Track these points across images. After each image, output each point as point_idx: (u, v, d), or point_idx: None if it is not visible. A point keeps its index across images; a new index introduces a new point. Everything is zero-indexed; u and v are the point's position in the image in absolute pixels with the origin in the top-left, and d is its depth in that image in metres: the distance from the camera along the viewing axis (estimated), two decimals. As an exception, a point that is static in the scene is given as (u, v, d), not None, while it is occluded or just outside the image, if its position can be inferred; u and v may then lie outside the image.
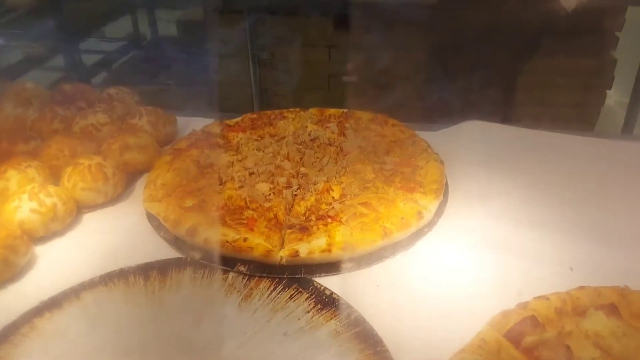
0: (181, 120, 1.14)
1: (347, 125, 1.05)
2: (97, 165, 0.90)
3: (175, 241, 0.83)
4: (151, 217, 0.88)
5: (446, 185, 0.91)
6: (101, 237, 0.86)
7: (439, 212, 0.87)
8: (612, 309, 0.66)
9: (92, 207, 0.91)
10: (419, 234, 0.83)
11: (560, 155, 1.00)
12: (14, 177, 0.89)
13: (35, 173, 0.91)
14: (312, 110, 1.11)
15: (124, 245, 0.84)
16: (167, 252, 0.82)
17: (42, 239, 0.85)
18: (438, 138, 1.04)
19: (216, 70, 1.31)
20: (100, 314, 0.73)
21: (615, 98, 1.96)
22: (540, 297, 0.68)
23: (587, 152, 1.01)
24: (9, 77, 1.87)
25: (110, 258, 0.80)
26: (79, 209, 0.89)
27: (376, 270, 0.78)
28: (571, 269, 0.75)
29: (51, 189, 0.86)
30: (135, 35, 2.34)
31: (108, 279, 0.77)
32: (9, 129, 1.06)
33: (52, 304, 0.73)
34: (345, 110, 1.10)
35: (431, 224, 0.85)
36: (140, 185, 0.97)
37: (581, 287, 0.69)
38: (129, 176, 0.96)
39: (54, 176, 0.93)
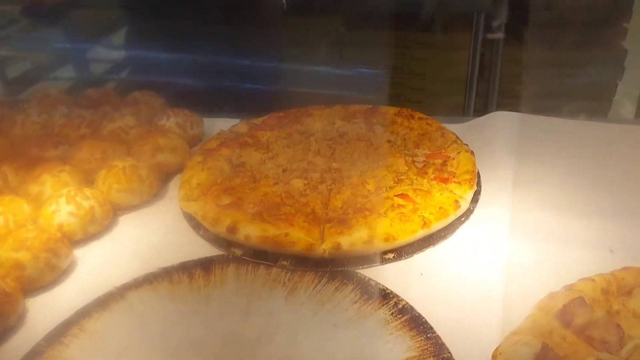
0: (206, 121, 1.15)
1: (373, 120, 1.05)
2: (131, 166, 0.91)
3: (215, 239, 0.83)
4: (188, 217, 0.88)
5: (478, 175, 0.92)
6: (140, 238, 0.86)
7: (474, 201, 0.87)
8: (659, 288, 0.67)
9: (128, 208, 0.91)
10: (456, 223, 0.83)
11: (587, 141, 1.01)
12: (48, 181, 0.90)
13: (68, 177, 0.92)
14: (337, 107, 1.12)
15: (163, 244, 0.85)
16: (208, 250, 0.82)
17: (81, 242, 0.85)
18: (464, 130, 1.05)
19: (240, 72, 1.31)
20: (147, 312, 0.73)
21: (626, 89, 1.97)
22: (585, 279, 0.69)
23: (613, 137, 1.02)
24: (22, 86, 1.87)
25: (150, 258, 0.81)
26: (115, 211, 0.90)
27: (418, 260, 0.78)
28: (611, 251, 0.76)
29: (88, 191, 0.86)
30: (144, 40, 2.34)
31: (152, 278, 0.77)
32: (36, 135, 1.06)
33: (98, 305, 0.73)
34: (370, 106, 1.11)
35: (467, 213, 0.85)
36: (173, 185, 0.97)
37: (625, 268, 0.70)
38: (162, 177, 0.97)
39: (87, 180, 0.94)
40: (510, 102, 1.83)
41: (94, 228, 0.86)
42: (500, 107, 1.84)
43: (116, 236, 0.87)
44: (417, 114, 1.06)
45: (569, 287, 0.68)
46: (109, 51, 2.41)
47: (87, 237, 0.86)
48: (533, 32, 1.80)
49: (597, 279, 0.69)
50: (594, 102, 1.93)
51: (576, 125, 1.07)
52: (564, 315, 0.65)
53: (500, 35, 1.76)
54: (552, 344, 0.61)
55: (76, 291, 0.77)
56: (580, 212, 0.84)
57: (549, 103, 1.85)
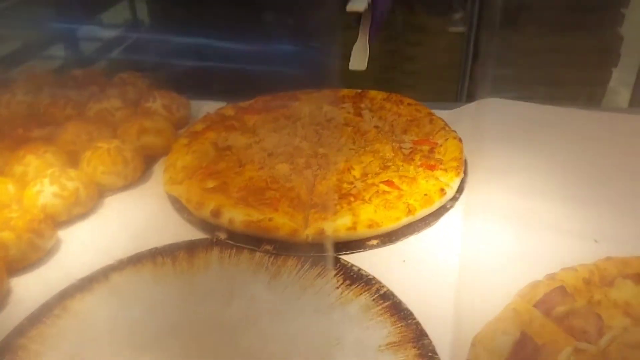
0: (193, 104, 1.14)
1: (361, 105, 1.05)
2: (116, 148, 0.90)
3: (199, 222, 0.83)
4: (173, 200, 0.88)
5: (465, 162, 0.92)
6: (124, 220, 0.86)
7: (460, 189, 0.87)
8: (640, 278, 0.67)
9: (113, 190, 0.91)
10: (441, 210, 0.83)
11: (577, 130, 1.00)
12: (32, 162, 0.89)
13: (53, 158, 0.91)
14: (326, 91, 1.11)
15: (148, 227, 0.84)
16: (192, 233, 0.82)
17: (65, 223, 0.85)
18: (453, 116, 1.04)
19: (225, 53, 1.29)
20: (131, 294, 0.73)
21: (621, 76, 1.96)
22: (567, 268, 0.69)
23: (604, 126, 1.01)
24: (9, 65, 1.85)
25: (135, 240, 0.81)
26: (99, 193, 0.89)
27: (401, 247, 0.78)
28: (596, 241, 0.76)
29: (72, 173, 0.85)
30: (134, 20, 2.32)
31: (136, 260, 0.77)
32: (22, 115, 1.05)
33: (81, 286, 0.73)
34: (359, 91, 1.10)
35: (453, 200, 0.85)
36: (158, 168, 0.97)
37: (608, 258, 0.70)
38: (147, 159, 0.96)
39: (72, 161, 0.93)
40: (504, 87, 1.81)
41: (78, 209, 0.85)
42: (494, 92, 1.84)
43: (100, 218, 0.87)
44: (407, 100, 1.06)
45: (551, 277, 0.68)
46: (100, 30, 2.38)
47: (72, 219, 0.85)
48: (528, 18, 1.79)
49: (580, 268, 0.69)
50: (588, 89, 1.92)
51: (567, 113, 1.06)
52: (545, 304, 0.65)
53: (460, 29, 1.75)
54: (532, 333, 0.61)
55: (60, 272, 0.76)
56: (567, 201, 0.84)
57: (543, 89, 1.84)
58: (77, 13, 2.21)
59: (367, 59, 0.99)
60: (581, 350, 0.59)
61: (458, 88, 1.80)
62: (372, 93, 1.09)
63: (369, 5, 1.00)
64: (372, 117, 1.01)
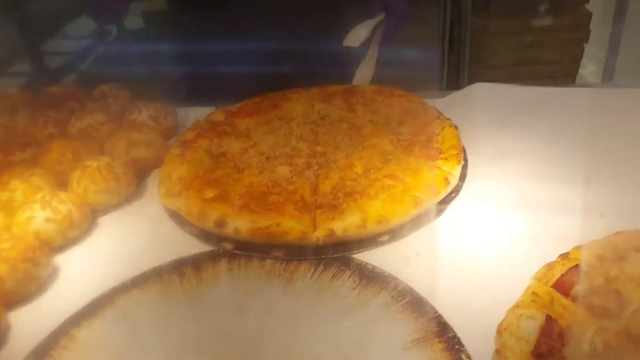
0: (179, 111, 1.10)
1: (353, 100, 1.03)
2: (107, 165, 0.87)
3: (203, 234, 0.80)
4: (172, 213, 0.85)
5: (463, 149, 0.91)
6: (123, 239, 0.83)
7: (462, 177, 0.87)
8: (653, 250, 0.67)
9: (107, 209, 0.87)
10: (447, 200, 0.83)
11: (568, 108, 1.01)
12: (18, 187, 0.85)
13: (40, 181, 0.87)
14: (315, 89, 1.09)
15: (148, 244, 0.81)
16: (196, 247, 0.79)
17: (61, 248, 0.81)
18: (445, 104, 1.03)
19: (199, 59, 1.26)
20: (139, 317, 0.70)
21: (593, 51, 2.00)
22: (579, 247, 0.69)
23: (592, 102, 1.02)
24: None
25: (137, 259, 0.78)
26: (93, 213, 0.86)
27: (413, 240, 0.77)
28: (602, 216, 0.77)
29: (63, 195, 0.82)
30: (101, 31, 2.26)
31: (141, 281, 0.74)
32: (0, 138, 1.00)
33: (87, 313, 0.70)
34: (349, 86, 1.09)
35: (457, 189, 0.85)
36: (151, 181, 0.94)
37: (618, 233, 0.70)
38: (139, 174, 0.93)
39: (60, 182, 0.89)
40: (481, 72, 1.84)
41: (73, 232, 0.82)
42: (472, 77, 1.85)
43: (97, 239, 0.84)
44: (397, 91, 1.05)
45: (565, 256, 0.68)
46: (65, 43, 2.31)
47: (67, 243, 0.82)
48: (500, 1, 1.80)
49: (592, 245, 0.69)
50: (562, 66, 1.95)
51: (553, 93, 1.07)
52: (563, 285, 0.65)
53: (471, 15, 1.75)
54: (555, 315, 0.61)
55: (61, 300, 0.73)
56: (567, 180, 0.84)
57: (520, 70, 1.87)
58: (40, 27, 2.14)
59: (371, 76, 1.00)
60: (605, 327, 0.59)
61: (439, 77, 1.80)
62: (362, 87, 1.08)
63: (382, 21, 1.03)
64: (366, 112, 1.00)
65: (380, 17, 1.08)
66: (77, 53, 2.23)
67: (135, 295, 0.73)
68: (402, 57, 1.27)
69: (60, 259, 0.80)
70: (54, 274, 0.77)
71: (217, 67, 1.16)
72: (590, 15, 1.86)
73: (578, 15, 1.86)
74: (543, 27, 1.85)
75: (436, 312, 0.66)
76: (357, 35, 1.02)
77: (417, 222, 0.79)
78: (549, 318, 0.60)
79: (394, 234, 0.77)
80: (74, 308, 0.70)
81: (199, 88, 1.19)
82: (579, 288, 0.64)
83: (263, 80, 1.13)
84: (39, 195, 0.81)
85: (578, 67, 1.94)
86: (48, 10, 2.18)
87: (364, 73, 1.04)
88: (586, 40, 1.89)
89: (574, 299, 0.64)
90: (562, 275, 0.66)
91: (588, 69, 2.12)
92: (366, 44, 1.07)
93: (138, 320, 0.70)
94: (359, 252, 0.75)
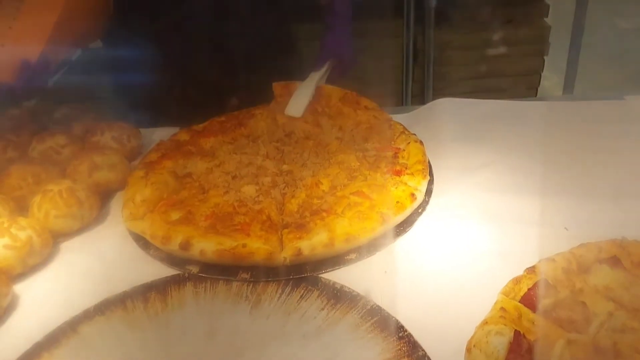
0: (143, 132, 1.08)
1: (318, 109, 1.03)
2: (68, 189, 0.84)
3: (168, 258, 0.79)
4: (136, 237, 0.83)
5: (429, 164, 0.92)
6: (85, 265, 0.80)
7: (428, 192, 0.87)
8: (615, 261, 0.68)
9: (69, 235, 0.85)
10: (414, 215, 0.83)
11: (531, 121, 1.03)
12: (-25, 214, 0.82)
13: (-1, 207, 0.84)
14: (277, 100, 1.09)
15: (112, 269, 0.79)
16: (161, 271, 0.78)
17: (20, 276, 0.78)
18: (411, 119, 1.05)
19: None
20: (104, 345, 0.68)
21: (553, 63, 2.05)
22: (545, 260, 0.70)
23: (555, 115, 1.05)
24: None
25: (100, 285, 0.75)
26: (54, 239, 0.83)
27: (380, 257, 0.77)
28: (566, 229, 0.78)
29: (23, 221, 0.79)
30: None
31: (104, 308, 0.72)
32: (-44, 165, 0.97)
33: (48, 343, 0.68)
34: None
35: (423, 204, 0.85)
36: (115, 205, 0.92)
37: (582, 245, 0.71)
38: (102, 197, 0.91)
39: (20, 208, 0.87)
40: (445, 85, 1.87)
41: (33, 259, 0.79)
42: (436, 90, 1.88)
43: (59, 266, 0.81)
44: (363, 101, 1.05)
45: (531, 270, 0.69)
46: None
47: (27, 270, 0.79)
48: (460, 14, 1.84)
49: (557, 258, 0.70)
50: (523, 78, 2.00)
51: (517, 106, 1.09)
52: (530, 299, 0.65)
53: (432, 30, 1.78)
54: (523, 330, 0.61)
55: (21, 331, 0.70)
56: (532, 193, 0.85)
57: (483, 83, 1.91)
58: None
59: (304, 108, 1.02)
60: (573, 340, 0.60)
61: (402, 90, 1.82)
62: (327, 89, 1.08)
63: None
64: (332, 127, 1.00)
65: (327, 65, 1.11)
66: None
67: (99, 323, 0.71)
68: (366, 72, 1.28)
69: (20, 287, 0.77)
70: (13, 303, 0.74)
71: (181, 87, 1.15)
72: (549, 28, 1.91)
73: (538, 28, 1.91)
74: (504, 41, 1.89)
75: (405, 331, 0.65)
76: (298, 105, 1.04)
77: (384, 239, 0.79)
78: (517, 333, 0.60)
79: (362, 251, 0.77)
80: (35, 338, 0.68)
81: (163, 108, 1.17)
82: (546, 301, 0.65)
83: (227, 99, 1.13)
84: (-4, 223, 0.78)
85: (540, 80, 1.99)
86: None
87: (296, 105, 1.05)
88: (546, 53, 1.94)
89: (541, 313, 0.65)
90: (529, 290, 0.67)
91: (550, 81, 2.18)
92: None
93: (102, 348, 0.68)
94: (326, 272, 0.75)
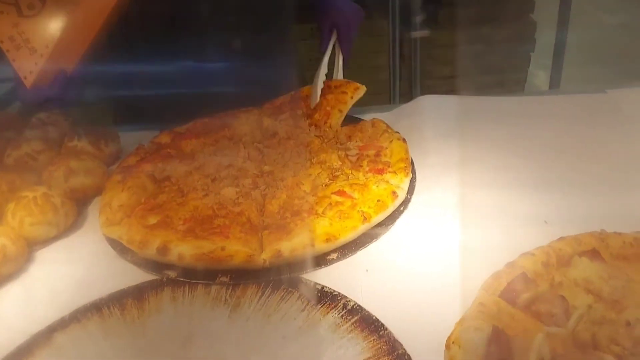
0: (123, 136, 1.07)
1: (298, 112, 1.02)
2: (43, 196, 0.83)
3: (146, 263, 0.77)
4: (113, 242, 0.82)
5: (411, 161, 0.91)
6: (62, 273, 0.79)
7: (410, 189, 0.86)
8: (594, 254, 0.68)
9: (45, 242, 0.83)
10: (396, 213, 0.82)
11: (514, 116, 1.03)
12: (-52, 223, 0.81)
13: (-28, 216, 0.82)
14: (266, 105, 1.08)
15: (88, 276, 0.78)
16: (139, 276, 0.76)
17: (-6, 285, 0.77)
18: (393, 117, 1.04)
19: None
20: (79, 353, 0.67)
21: (539, 60, 2.05)
22: (525, 254, 0.69)
23: (538, 110, 1.04)
24: None
25: (76, 293, 0.74)
26: (30, 247, 0.82)
27: (362, 256, 0.76)
28: (546, 222, 0.77)
29: (-4, 229, 0.78)
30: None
31: (80, 315, 0.70)
32: None
33: (22, 353, 0.66)
34: (293, 92, 1.08)
35: (405, 202, 0.84)
36: (92, 211, 0.90)
37: (561, 238, 0.71)
38: (79, 203, 0.89)
39: (-6, 216, 0.85)
40: (433, 83, 1.87)
41: (7, 268, 0.77)
42: (424, 89, 1.88)
43: (34, 274, 0.79)
44: (333, 82, 1.06)
45: (511, 264, 0.68)
46: (5, 69, 2.23)
47: (1, 279, 0.77)
48: (447, 13, 1.84)
49: (537, 252, 0.69)
50: (510, 75, 2.00)
51: (499, 102, 1.08)
52: (509, 294, 0.65)
53: (423, 32, 1.78)
54: (502, 325, 0.60)
55: (-6, 341, 0.69)
56: (513, 188, 0.85)
57: (470, 80, 1.91)
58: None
59: (318, 95, 1.01)
60: (552, 334, 0.59)
61: (390, 89, 1.82)
62: (306, 90, 1.07)
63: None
64: (310, 125, 0.99)
65: (332, 40, 1.10)
66: (19, 79, 2.15)
67: (75, 331, 0.69)
68: (352, 72, 1.27)
69: (-6, 297, 0.75)
70: (-14, 313, 0.73)
71: (162, 90, 1.13)
72: (535, 24, 1.91)
73: (523, 24, 1.92)
74: (490, 38, 1.90)
75: (386, 329, 0.64)
76: (315, 95, 1.04)
77: (365, 237, 0.78)
78: (496, 329, 0.60)
79: (343, 251, 0.76)
80: (9, 348, 0.66)
81: (143, 111, 1.16)
82: (525, 295, 0.64)
83: (211, 101, 1.11)
84: (-31, 231, 0.77)
85: (526, 76, 1.99)
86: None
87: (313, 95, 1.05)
88: (532, 49, 1.95)
89: (521, 307, 0.64)
90: (508, 284, 0.66)
91: (537, 77, 2.18)
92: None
93: (78, 357, 0.66)
94: (307, 272, 0.74)
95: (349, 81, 1.08)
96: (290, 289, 0.72)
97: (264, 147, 0.95)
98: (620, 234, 0.70)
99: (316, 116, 1.02)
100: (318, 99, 1.03)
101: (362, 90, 1.07)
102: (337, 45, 1.12)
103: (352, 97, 1.05)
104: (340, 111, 1.02)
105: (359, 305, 0.68)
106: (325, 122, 1.00)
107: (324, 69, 1.06)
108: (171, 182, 0.88)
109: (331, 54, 1.12)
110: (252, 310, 0.69)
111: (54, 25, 0.86)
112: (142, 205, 0.83)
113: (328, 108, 1.02)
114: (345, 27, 1.12)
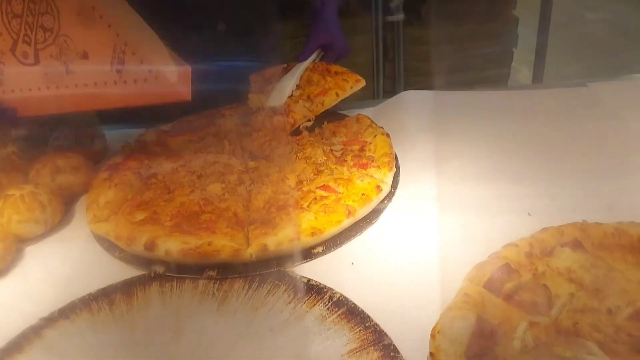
0: (109, 134, 1.07)
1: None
2: (30, 194, 0.83)
3: (133, 259, 0.78)
4: (100, 239, 0.82)
5: (395, 156, 0.92)
6: (50, 269, 0.79)
7: (394, 183, 0.88)
8: (576, 244, 0.70)
9: (33, 239, 0.84)
10: (380, 207, 0.83)
11: (496, 110, 1.05)
12: None
13: (-42, 215, 0.82)
14: (254, 77, 1.08)
15: (77, 273, 0.78)
16: (127, 272, 0.77)
17: (-17, 283, 0.77)
18: (377, 112, 1.05)
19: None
20: (68, 349, 0.67)
21: (522, 55, 2.08)
22: (508, 245, 0.71)
23: (520, 104, 1.06)
24: None
25: (65, 289, 0.74)
26: (18, 244, 0.82)
27: (347, 250, 0.77)
28: (529, 214, 0.79)
29: (-17, 228, 0.78)
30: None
31: (69, 311, 0.71)
32: None
33: (11, 349, 0.66)
34: (285, 66, 1.09)
35: (390, 195, 0.85)
36: (79, 208, 0.90)
37: (544, 229, 0.72)
38: (66, 200, 0.90)
39: (-20, 215, 0.85)
40: (417, 80, 1.88)
41: (-5, 266, 0.78)
42: (408, 85, 1.89)
43: (23, 271, 0.80)
44: (333, 68, 1.07)
45: (495, 255, 0.70)
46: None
47: (-11, 278, 0.78)
48: (430, 9, 1.85)
49: (520, 243, 0.71)
50: (494, 71, 2.02)
51: (482, 96, 1.10)
52: (493, 284, 0.66)
53: (400, 16, 1.79)
54: (486, 314, 0.62)
55: (-17, 338, 0.69)
56: (496, 181, 0.86)
57: (453, 76, 1.92)
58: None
59: (285, 98, 1.01)
60: (535, 323, 0.61)
61: (374, 85, 1.83)
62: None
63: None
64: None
65: (314, 55, 1.11)
66: None
67: (63, 327, 0.69)
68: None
69: (-17, 295, 0.75)
70: (-25, 311, 0.73)
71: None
72: (517, 20, 1.93)
73: (506, 21, 1.94)
74: (473, 34, 1.92)
75: (372, 321, 0.65)
76: (281, 94, 1.04)
77: (350, 231, 0.79)
78: (480, 318, 0.61)
79: (329, 244, 0.77)
80: (-1, 345, 0.66)
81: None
82: (509, 285, 0.66)
83: (196, 99, 1.12)
84: (-44, 230, 0.76)
85: (509, 71, 2.02)
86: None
87: (277, 96, 1.05)
88: (515, 45, 1.97)
89: (504, 297, 0.65)
90: (492, 275, 0.67)
91: (520, 73, 2.21)
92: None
93: (67, 352, 0.67)
94: (293, 266, 0.75)
95: (351, 72, 1.09)
96: (276, 283, 0.72)
97: (250, 143, 0.96)
98: (601, 224, 0.71)
99: (312, 89, 1.02)
100: (283, 100, 1.03)
101: (362, 83, 1.07)
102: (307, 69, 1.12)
103: (351, 87, 1.06)
104: (337, 95, 1.03)
105: (345, 298, 0.69)
106: (319, 98, 1.00)
107: (296, 79, 1.06)
108: (157, 179, 0.89)
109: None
110: (239, 304, 0.70)
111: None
112: (129, 202, 0.84)
113: (327, 87, 1.03)
114: (332, 53, 1.14)
